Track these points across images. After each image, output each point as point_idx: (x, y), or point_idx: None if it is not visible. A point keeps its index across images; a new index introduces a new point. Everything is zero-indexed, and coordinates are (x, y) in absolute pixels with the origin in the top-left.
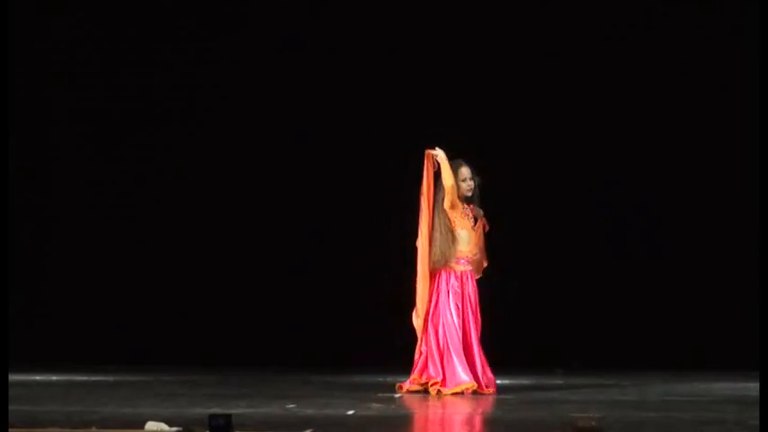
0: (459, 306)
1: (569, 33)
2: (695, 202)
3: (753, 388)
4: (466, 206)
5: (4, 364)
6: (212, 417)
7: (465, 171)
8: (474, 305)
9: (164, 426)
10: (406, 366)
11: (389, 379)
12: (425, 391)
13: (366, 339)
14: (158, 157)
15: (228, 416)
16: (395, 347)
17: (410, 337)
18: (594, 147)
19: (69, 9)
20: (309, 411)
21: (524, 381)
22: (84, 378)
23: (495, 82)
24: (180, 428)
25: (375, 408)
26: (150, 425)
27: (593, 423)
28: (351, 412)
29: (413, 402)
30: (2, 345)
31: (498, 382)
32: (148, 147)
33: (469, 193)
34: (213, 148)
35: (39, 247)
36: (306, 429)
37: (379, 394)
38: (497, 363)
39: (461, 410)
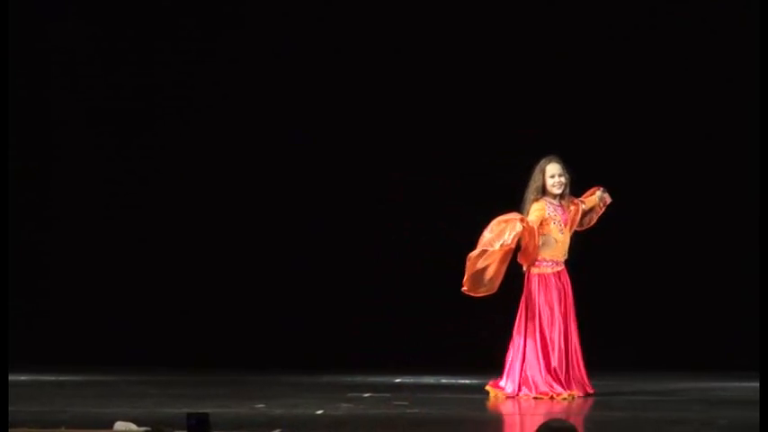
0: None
1: (574, 33)
2: (694, 202)
3: (720, 387)
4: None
5: (3, 364)
6: (190, 415)
7: (553, 167)
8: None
9: (132, 425)
10: (372, 367)
11: (358, 379)
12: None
13: (335, 340)
14: (158, 156)
15: (205, 414)
16: (363, 347)
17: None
18: (594, 147)
19: (69, 9)
20: (278, 411)
21: (484, 380)
22: (53, 378)
23: (497, 82)
24: (149, 428)
25: (344, 407)
26: (119, 425)
27: (568, 425)
28: (320, 412)
29: (379, 403)
30: (2, 345)
31: (466, 381)
32: (148, 146)
33: (558, 191)
34: (214, 147)
35: (39, 246)
36: (275, 429)
37: (349, 394)
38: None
39: (434, 409)
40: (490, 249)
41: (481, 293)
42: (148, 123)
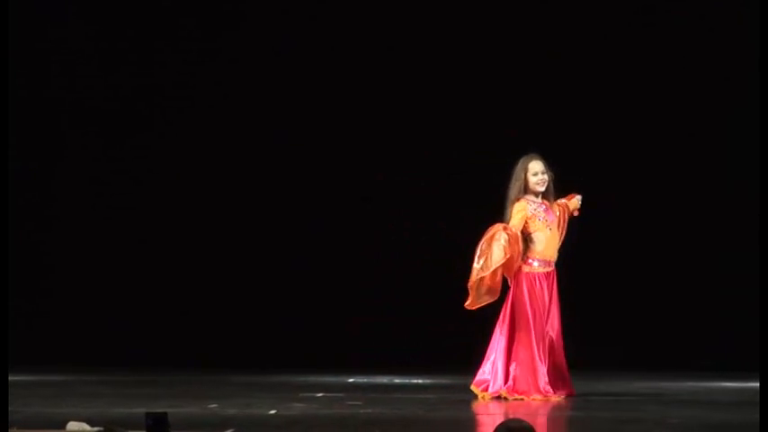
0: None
1: (569, 32)
2: (690, 201)
3: (667, 387)
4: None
5: (3, 364)
6: (148, 415)
7: (535, 165)
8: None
9: (85, 425)
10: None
11: (311, 379)
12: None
13: (289, 340)
14: (158, 156)
15: (164, 414)
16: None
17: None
18: (595, 147)
19: (69, 9)
20: (231, 411)
21: (443, 380)
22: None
23: (495, 81)
24: (101, 428)
25: (297, 407)
26: (72, 425)
27: (526, 425)
28: (273, 412)
29: (332, 403)
30: (2, 345)
31: (418, 381)
32: (148, 147)
33: (541, 189)
34: (214, 147)
35: (39, 246)
36: (227, 429)
37: (301, 394)
38: (422, 363)
39: (387, 409)
40: (487, 273)
41: (485, 302)
42: (148, 123)
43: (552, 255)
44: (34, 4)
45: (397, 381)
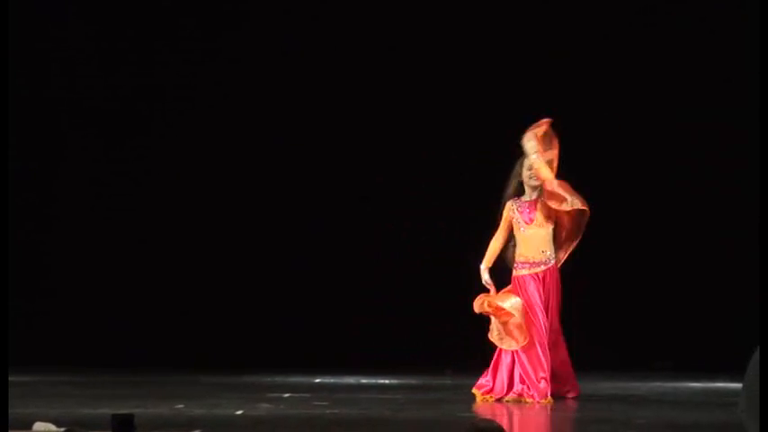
0: None
1: (570, 32)
2: (688, 200)
3: (634, 387)
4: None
5: (3, 364)
6: (115, 416)
7: (528, 160)
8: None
9: (51, 426)
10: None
11: (278, 379)
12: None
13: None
14: (158, 157)
15: (130, 415)
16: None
17: None
18: (595, 146)
19: (69, 9)
20: (198, 411)
21: (412, 381)
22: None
23: (495, 82)
24: (68, 429)
25: (264, 408)
26: (38, 425)
27: (495, 425)
28: (239, 412)
29: (298, 403)
30: (2, 345)
31: (385, 381)
32: (148, 147)
33: (535, 183)
34: (215, 147)
35: (39, 246)
36: (194, 430)
37: (268, 394)
38: (385, 363)
39: (353, 410)
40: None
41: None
42: (148, 123)
43: (535, 254)
44: (34, 4)
45: (363, 381)
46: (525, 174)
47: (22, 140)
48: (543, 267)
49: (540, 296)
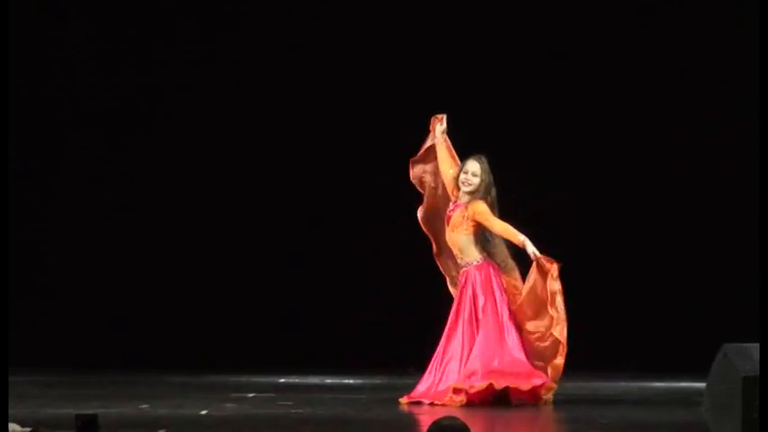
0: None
1: (568, 33)
2: (654, 201)
3: (599, 387)
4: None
5: (3, 364)
6: (78, 417)
7: (469, 164)
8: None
9: (15, 426)
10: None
11: (243, 379)
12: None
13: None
14: (157, 156)
15: (94, 416)
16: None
17: None
18: (595, 147)
19: (69, 9)
20: (163, 411)
21: (377, 380)
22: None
23: (496, 82)
24: (31, 429)
25: (231, 407)
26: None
27: (458, 423)
28: (204, 412)
29: (263, 403)
30: (2, 345)
31: (350, 381)
32: (148, 146)
33: (465, 189)
34: (215, 146)
35: (39, 246)
36: (159, 429)
37: (233, 394)
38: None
39: (318, 409)
40: None
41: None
42: (148, 123)
43: (456, 257)
44: (34, 4)
45: (328, 381)
46: (461, 176)
47: (22, 140)
48: (466, 267)
49: (468, 293)
